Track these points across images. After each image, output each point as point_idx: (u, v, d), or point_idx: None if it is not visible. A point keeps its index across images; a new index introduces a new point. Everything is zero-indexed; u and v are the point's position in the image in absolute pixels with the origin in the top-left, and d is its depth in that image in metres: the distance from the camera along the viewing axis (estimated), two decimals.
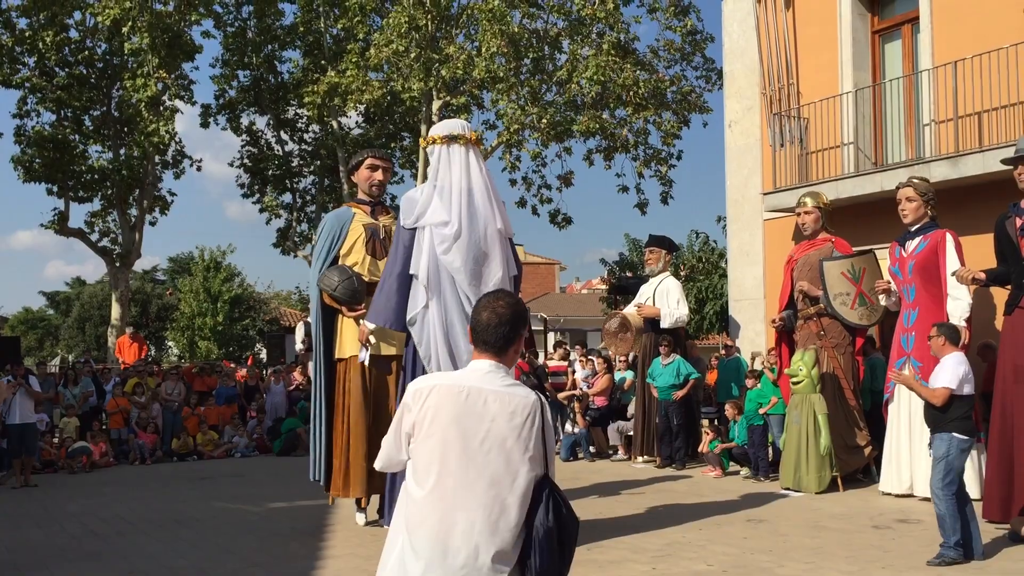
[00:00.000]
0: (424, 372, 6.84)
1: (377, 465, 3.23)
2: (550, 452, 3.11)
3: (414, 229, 7.07)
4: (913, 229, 9.11)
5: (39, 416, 12.90)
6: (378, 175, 8.33)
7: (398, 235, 7.25)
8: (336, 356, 8.14)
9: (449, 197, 7.00)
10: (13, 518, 9.47)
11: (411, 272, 7.06)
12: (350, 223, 8.22)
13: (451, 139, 7.13)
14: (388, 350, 7.95)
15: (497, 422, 3.00)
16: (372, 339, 7.54)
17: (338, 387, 8.06)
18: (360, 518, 8.21)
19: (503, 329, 3.10)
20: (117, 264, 23.33)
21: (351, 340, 7.95)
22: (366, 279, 8.01)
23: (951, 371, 6.53)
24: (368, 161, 8.34)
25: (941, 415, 6.50)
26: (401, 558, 3.02)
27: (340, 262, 8.12)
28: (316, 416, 8.23)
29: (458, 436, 2.99)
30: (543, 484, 3.06)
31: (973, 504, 6.60)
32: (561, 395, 13.67)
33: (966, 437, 6.43)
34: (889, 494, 9.02)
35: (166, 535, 8.17)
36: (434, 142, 7.19)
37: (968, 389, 6.55)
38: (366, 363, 7.84)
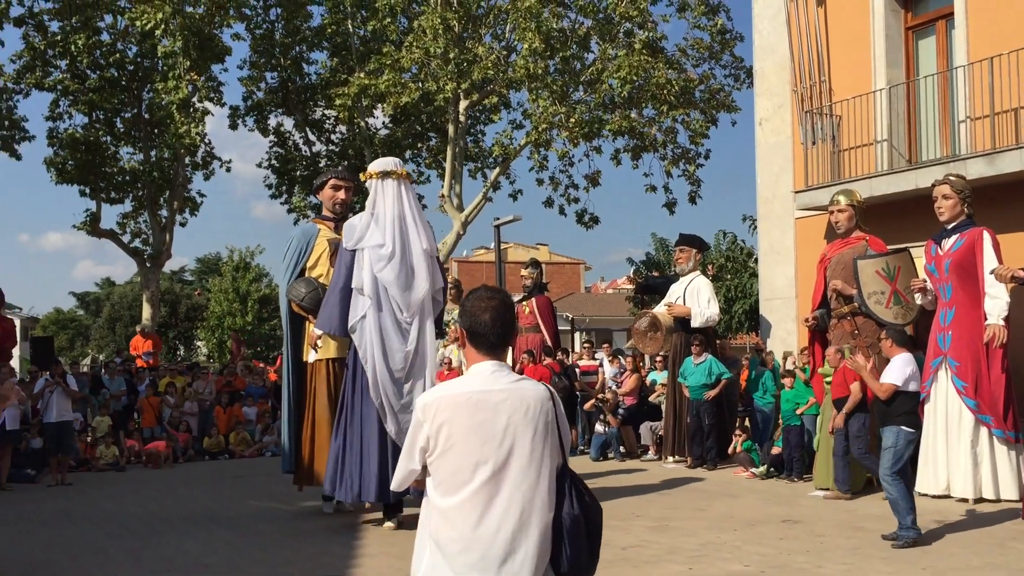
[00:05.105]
0: (363, 372, 7.94)
1: (394, 485, 3.19)
2: (566, 441, 3.10)
3: (355, 251, 8.06)
4: (950, 227, 9.00)
5: (74, 415, 13.04)
6: (341, 194, 9.28)
7: (341, 256, 8.25)
8: (304, 359, 9.06)
9: (384, 223, 8.05)
10: (49, 516, 9.57)
11: (353, 286, 8.01)
12: (315, 238, 9.18)
13: (385, 175, 8.22)
14: (347, 353, 8.63)
15: (512, 421, 2.98)
16: (320, 343, 8.44)
17: (307, 387, 8.97)
18: (328, 507, 9.02)
19: (504, 327, 3.09)
20: (148, 265, 23.54)
21: (320, 344, 8.65)
22: None
23: (898, 370, 7.19)
24: (332, 182, 9.32)
25: (888, 409, 7.17)
26: (432, 569, 3.00)
27: (307, 274, 9.07)
28: (287, 414, 9.18)
29: (477, 442, 2.97)
30: (563, 474, 3.05)
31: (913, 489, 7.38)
32: (586, 405, 13.49)
33: (911, 429, 7.17)
34: (926, 495, 8.91)
35: (201, 533, 8.23)
36: (371, 177, 8.26)
37: (913, 386, 7.24)
38: (310, 361, 8.83)
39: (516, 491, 2.97)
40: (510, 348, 3.22)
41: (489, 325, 3.08)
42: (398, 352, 7.93)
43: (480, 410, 2.99)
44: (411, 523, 8.07)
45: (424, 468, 3.07)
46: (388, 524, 8.11)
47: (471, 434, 2.97)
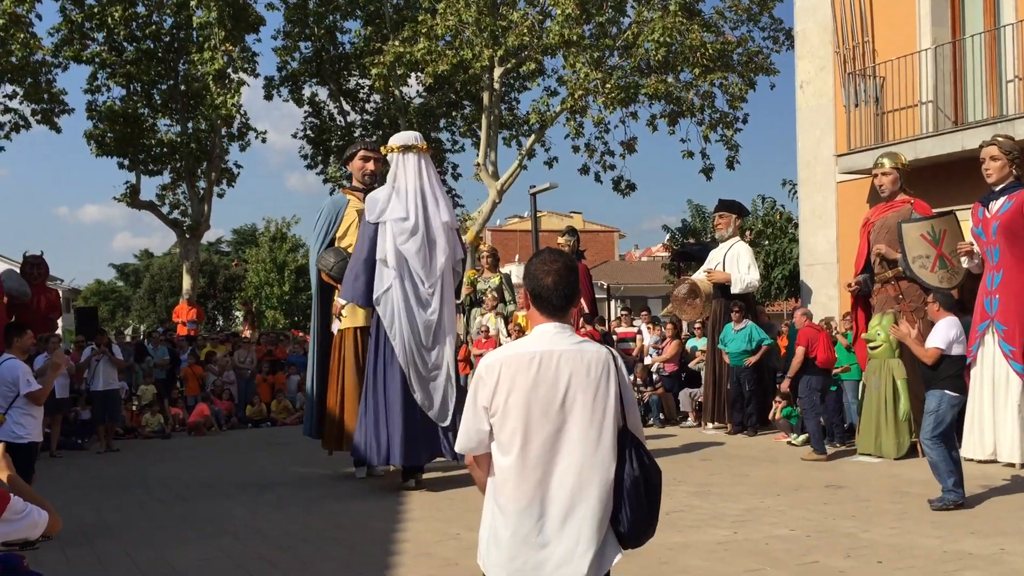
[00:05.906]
0: (387, 341, 8.17)
1: (458, 446, 3.20)
2: (628, 403, 3.09)
3: (377, 224, 8.20)
4: (997, 189, 8.82)
5: (120, 384, 13.26)
6: (370, 165, 9.41)
7: (363, 228, 8.39)
8: (331, 328, 9.19)
9: (405, 197, 8.22)
10: (100, 482, 9.77)
11: (378, 258, 8.18)
12: (345, 208, 9.35)
13: (407, 149, 8.36)
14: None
15: (573, 381, 2.99)
16: (345, 312, 8.68)
17: (334, 354, 9.16)
18: (360, 472, 9.13)
19: (567, 289, 3.09)
20: (187, 236, 23.75)
21: (345, 313, 8.90)
22: None
23: (942, 333, 7.15)
24: (361, 153, 9.48)
25: (933, 373, 7.14)
26: (493, 526, 3.03)
27: (336, 244, 9.22)
28: (312, 380, 9.44)
29: (537, 402, 2.99)
30: (624, 436, 3.05)
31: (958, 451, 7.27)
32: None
33: (956, 394, 7.08)
34: (971, 460, 8.80)
35: (249, 498, 8.36)
36: (392, 151, 8.39)
37: (958, 350, 7.17)
38: (335, 331, 9.01)
39: (576, 451, 2.98)
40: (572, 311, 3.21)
41: (551, 288, 3.08)
42: (422, 321, 8.19)
43: (542, 370, 3.00)
44: (432, 486, 8.24)
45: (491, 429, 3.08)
46: (408, 483, 8.36)
47: (532, 394, 2.99)
